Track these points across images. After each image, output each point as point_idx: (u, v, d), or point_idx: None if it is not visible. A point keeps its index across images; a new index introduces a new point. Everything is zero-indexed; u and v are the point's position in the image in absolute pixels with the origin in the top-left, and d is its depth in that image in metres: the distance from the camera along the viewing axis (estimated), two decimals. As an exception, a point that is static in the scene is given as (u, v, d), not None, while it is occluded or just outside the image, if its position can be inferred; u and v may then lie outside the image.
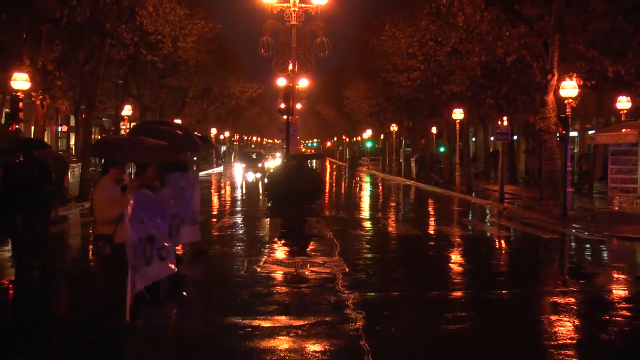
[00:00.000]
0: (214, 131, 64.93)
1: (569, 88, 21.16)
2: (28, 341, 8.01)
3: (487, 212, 24.99)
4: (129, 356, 7.74)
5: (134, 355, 7.77)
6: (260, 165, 50.46)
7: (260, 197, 28.99)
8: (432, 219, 23.42)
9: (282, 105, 29.19)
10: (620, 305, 10.19)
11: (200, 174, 52.28)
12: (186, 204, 9.58)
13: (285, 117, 28.96)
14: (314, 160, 51.72)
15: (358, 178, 51.42)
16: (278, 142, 67.52)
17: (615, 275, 12.66)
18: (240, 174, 50.63)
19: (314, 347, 7.71)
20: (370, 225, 20.08)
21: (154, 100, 39.57)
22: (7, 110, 28.28)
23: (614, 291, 11.26)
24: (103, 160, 8.86)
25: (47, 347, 7.93)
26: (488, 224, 21.80)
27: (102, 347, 7.72)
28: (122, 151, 8.28)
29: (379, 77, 38.93)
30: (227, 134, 77.11)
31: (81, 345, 7.89)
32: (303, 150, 26.71)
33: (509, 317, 9.47)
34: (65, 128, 41.57)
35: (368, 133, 72.89)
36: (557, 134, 21.60)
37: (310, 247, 15.20)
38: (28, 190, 10.10)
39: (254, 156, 54.66)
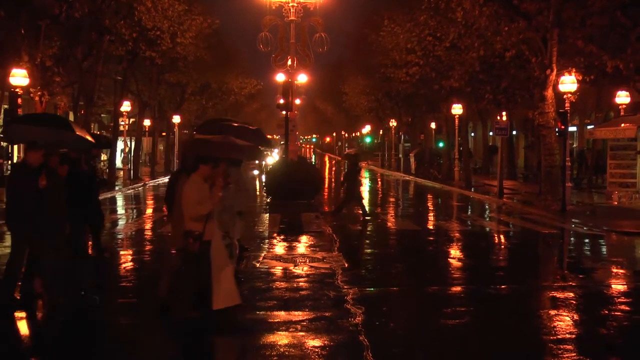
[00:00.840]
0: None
1: (568, 83, 21.16)
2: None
3: (486, 207, 25.00)
4: (128, 350, 7.76)
5: (133, 351, 7.79)
6: (257, 161, 48.92)
7: (259, 192, 28.98)
8: (431, 214, 23.44)
9: (281, 101, 29.18)
10: (619, 299, 10.21)
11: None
12: (241, 198, 9.85)
13: (284, 112, 28.92)
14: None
15: (357, 173, 51.31)
16: (277, 137, 67.35)
17: (614, 270, 12.68)
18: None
19: (313, 342, 7.72)
20: (370, 221, 20.08)
21: (152, 96, 39.50)
22: (5, 106, 28.26)
23: (613, 286, 11.28)
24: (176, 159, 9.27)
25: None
26: (487, 219, 21.81)
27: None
28: (214, 149, 8.43)
29: (378, 73, 38.92)
30: (226, 129, 77.00)
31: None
32: (351, 151, 26.72)
33: (508, 312, 9.48)
34: (63, 124, 41.46)
35: (367, 128, 72.88)
36: (556, 129, 21.61)
37: (310, 243, 15.21)
38: (89, 186, 10.64)
39: None
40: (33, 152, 8.78)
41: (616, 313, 9.27)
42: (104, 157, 35.71)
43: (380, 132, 66.85)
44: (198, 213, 7.87)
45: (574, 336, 8.23)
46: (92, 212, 10.84)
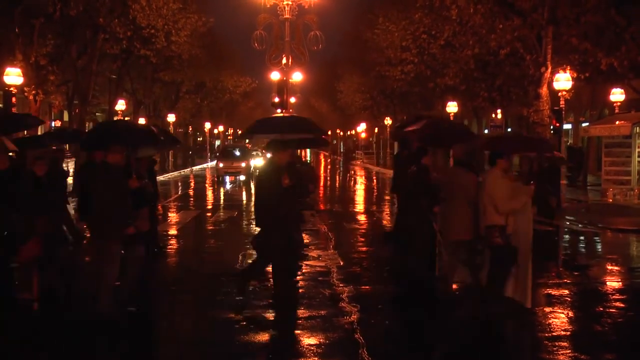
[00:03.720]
0: (207, 125, 64.82)
1: (563, 81, 21.19)
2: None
3: (482, 205, 24.95)
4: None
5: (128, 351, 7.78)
6: (244, 164, 37.11)
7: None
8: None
9: (276, 99, 29.20)
10: (614, 296, 10.23)
11: (195, 168, 52.20)
12: None
13: (279, 111, 28.92)
14: None
15: (352, 172, 51.41)
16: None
17: (609, 267, 12.71)
18: (216, 174, 38.16)
19: (309, 340, 7.72)
20: (365, 219, 20.08)
21: (147, 94, 39.46)
22: (0, 105, 28.20)
23: (607, 283, 11.30)
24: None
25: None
26: (482, 216, 21.79)
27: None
28: (510, 144, 8.81)
29: (373, 71, 38.93)
30: (221, 128, 77.01)
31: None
32: None
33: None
34: (59, 123, 41.41)
35: (362, 126, 72.85)
36: (551, 127, 21.64)
37: (305, 241, 15.18)
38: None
39: (236, 152, 39.73)
40: (281, 152, 8.94)
41: (611, 310, 9.29)
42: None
43: (376, 130, 66.84)
44: (512, 207, 7.93)
45: (569, 333, 8.25)
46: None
